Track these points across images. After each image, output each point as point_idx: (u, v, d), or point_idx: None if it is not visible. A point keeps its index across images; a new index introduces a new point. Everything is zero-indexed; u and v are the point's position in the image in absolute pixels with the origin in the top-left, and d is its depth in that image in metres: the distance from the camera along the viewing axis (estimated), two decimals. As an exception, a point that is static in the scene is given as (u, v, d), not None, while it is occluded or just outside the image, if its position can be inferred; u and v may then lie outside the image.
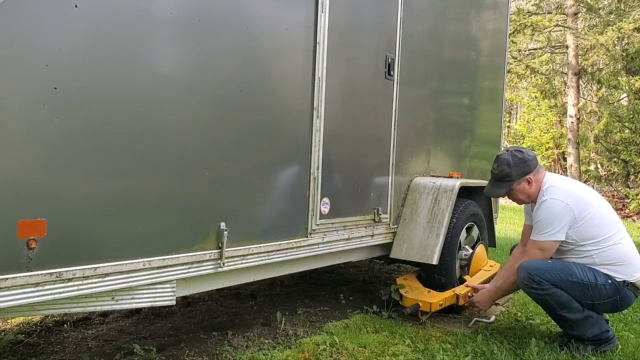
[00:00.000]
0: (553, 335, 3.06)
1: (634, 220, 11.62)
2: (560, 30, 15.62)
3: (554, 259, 2.84)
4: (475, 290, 3.20)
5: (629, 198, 12.48)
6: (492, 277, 3.68)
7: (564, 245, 2.76)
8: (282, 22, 2.50)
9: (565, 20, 14.97)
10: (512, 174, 2.80)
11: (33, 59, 1.64)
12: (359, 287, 4.15)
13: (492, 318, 3.19)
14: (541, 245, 2.75)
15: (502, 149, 3.02)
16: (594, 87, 16.42)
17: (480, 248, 3.73)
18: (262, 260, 2.46)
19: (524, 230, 3.10)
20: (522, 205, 3.10)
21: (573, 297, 2.68)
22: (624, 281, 2.69)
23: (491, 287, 3.04)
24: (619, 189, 13.40)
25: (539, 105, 16.62)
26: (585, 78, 15.14)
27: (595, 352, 2.71)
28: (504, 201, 14.01)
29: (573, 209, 2.69)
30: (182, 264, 2.10)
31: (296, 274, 3.23)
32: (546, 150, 16.73)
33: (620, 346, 2.82)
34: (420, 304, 3.13)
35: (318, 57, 2.67)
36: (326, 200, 2.80)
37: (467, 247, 3.65)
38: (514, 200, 2.95)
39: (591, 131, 14.61)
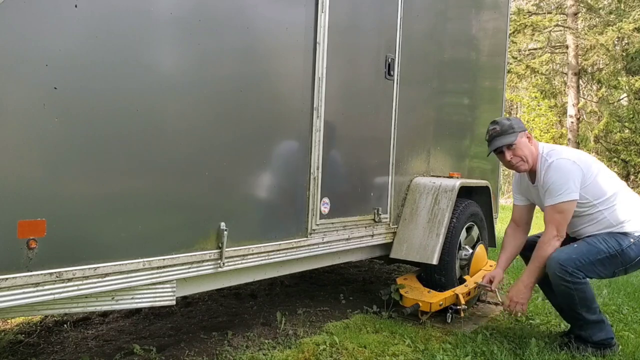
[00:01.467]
0: (553, 335, 3.06)
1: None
2: (560, 30, 15.63)
3: (572, 235, 2.83)
4: (490, 281, 3.05)
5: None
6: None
7: (577, 210, 2.71)
8: (282, 22, 2.49)
9: (565, 20, 14.98)
10: (514, 125, 2.79)
11: (33, 59, 1.64)
12: (359, 287, 4.15)
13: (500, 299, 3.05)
14: (560, 207, 2.67)
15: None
16: (594, 87, 16.43)
17: (480, 248, 3.73)
18: (262, 260, 2.46)
19: (514, 210, 3.09)
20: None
21: (607, 273, 2.70)
22: None
23: (522, 276, 2.83)
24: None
25: (539, 105, 16.65)
26: (585, 78, 15.16)
27: (595, 352, 2.71)
28: (504, 201, 14.03)
29: (581, 167, 2.69)
30: (182, 264, 2.10)
31: (296, 274, 3.23)
32: (546, 150, 16.70)
33: (620, 346, 2.82)
34: (420, 304, 3.13)
35: (318, 57, 2.67)
36: (326, 200, 2.80)
37: (467, 247, 3.65)
38: (514, 164, 2.81)
39: (591, 131, 14.63)
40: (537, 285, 2.94)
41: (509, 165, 2.84)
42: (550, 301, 3.18)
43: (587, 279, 2.67)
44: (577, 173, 2.67)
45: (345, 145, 2.98)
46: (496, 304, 3.74)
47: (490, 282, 3.05)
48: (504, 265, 3.05)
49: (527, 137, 2.82)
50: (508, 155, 2.80)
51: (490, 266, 3.79)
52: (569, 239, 2.90)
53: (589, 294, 2.68)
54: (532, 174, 2.87)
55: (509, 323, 3.30)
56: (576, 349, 2.72)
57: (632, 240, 2.68)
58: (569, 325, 3.11)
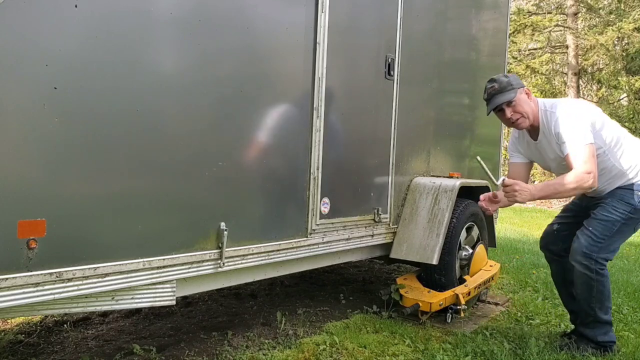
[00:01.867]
0: (553, 335, 3.06)
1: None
2: (560, 30, 15.63)
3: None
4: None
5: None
6: (492, 277, 3.69)
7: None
8: (282, 22, 2.50)
9: (565, 20, 14.98)
10: (512, 82, 2.70)
11: (33, 59, 1.64)
12: (359, 287, 4.15)
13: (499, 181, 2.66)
14: (589, 149, 2.52)
15: (502, 149, 2.87)
16: (594, 87, 16.43)
17: (480, 248, 3.73)
18: (262, 260, 2.46)
19: (510, 169, 2.95)
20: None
21: (629, 234, 2.71)
22: None
23: (537, 188, 2.63)
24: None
25: (539, 105, 16.59)
26: (585, 78, 15.16)
27: (595, 353, 2.71)
28: (504, 201, 14.00)
29: (590, 113, 2.64)
30: (182, 264, 2.10)
31: (296, 274, 3.23)
32: (546, 150, 16.70)
33: (620, 349, 2.83)
34: (420, 304, 3.13)
35: (318, 57, 2.67)
36: (326, 200, 2.80)
37: (467, 247, 3.65)
38: (515, 120, 2.70)
39: (591, 131, 14.62)
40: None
41: (509, 122, 2.76)
42: (560, 296, 3.13)
43: (607, 273, 2.68)
44: (588, 119, 2.61)
45: (345, 145, 2.98)
46: (496, 304, 3.74)
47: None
48: (540, 185, 2.89)
49: (526, 94, 2.73)
50: (508, 112, 2.70)
51: (491, 266, 3.80)
52: (568, 228, 2.91)
53: (606, 290, 2.69)
54: (534, 130, 2.77)
55: (509, 323, 3.30)
56: (576, 348, 2.72)
57: (639, 193, 2.66)
58: (569, 326, 3.12)
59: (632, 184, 2.68)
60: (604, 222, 2.67)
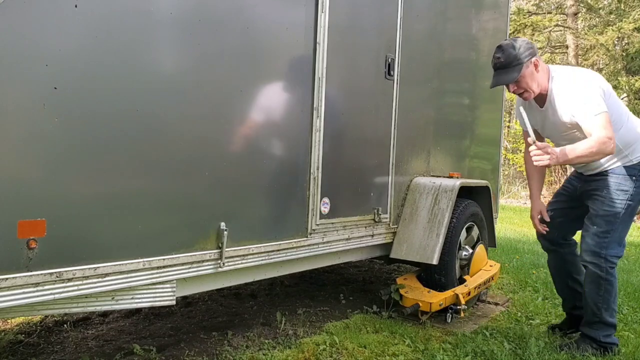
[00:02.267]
0: (553, 335, 3.06)
1: (634, 220, 11.61)
2: (560, 30, 15.64)
3: (580, 170, 2.79)
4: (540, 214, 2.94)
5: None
6: (492, 277, 3.69)
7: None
8: (282, 22, 2.49)
9: (565, 20, 14.98)
10: (520, 56, 2.58)
11: (33, 59, 1.64)
12: (359, 287, 4.15)
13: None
14: (605, 117, 2.47)
15: (502, 148, 2.79)
16: (594, 87, 16.40)
17: (480, 248, 3.73)
18: (262, 260, 2.46)
19: (526, 137, 2.73)
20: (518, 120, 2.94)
21: (633, 216, 2.72)
22: None
23: (567, 150, 2.51)
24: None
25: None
26: (585, 78, 15.14)
27: (596, 353, 2.71)
28: (504, 201, 14.01)
29: (600, 85, 2.60)
30: (182, 264, 2.10)
31: (296, 274, 3.23)
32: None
33: (620, 346, 2.83)
34: (420, 304, 3.13)
35: (318, 57, 2.67)
36: (326, 200, 2.80)
37: (467, 247, 3.65)
38: (522, 93, 2.68)
39: (591, 131, 14.61)
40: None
41: (514, 93, 2.74)
42: (555, 284, 3.15)
43: (616, 274, 2.70)
44: (599, 90, 2.56)
45: (345, 145, 2.98)
46: (496, 304, 3.74)
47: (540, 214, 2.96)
48: (539, 194, 2.99)
49: (535, 65, 2.61)
50: (511, 87, 2.67)
51: (491, 266, 3.80)
52: (563, 225, 2.91)
53: (614, 291, 2.71)
54: (540, 98, 2.71)
55: (509, 323, 3.30)
56: (577, 347, 2.72)
57: (634, 177, 2.66)
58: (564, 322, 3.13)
59: (627, 167, 2.67)
60: (607, 217, 2.68)
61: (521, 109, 2.64)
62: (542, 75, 2.65)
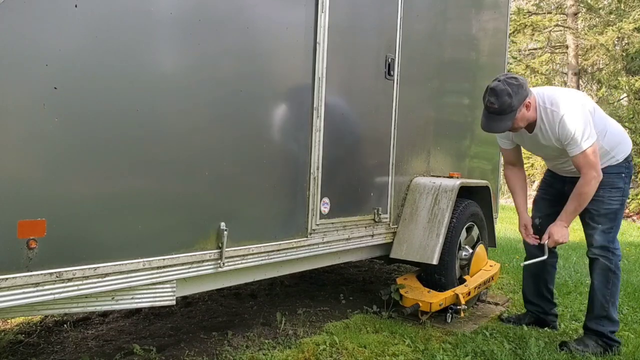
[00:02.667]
0: (553, 335, 3.07)
1: (634, 220, 11.62)
2: (560, 30, 15.63)
3: (572, 176, 2.88)
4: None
5: (628, 198, 12.49)
6: (492, 277, 3.69)
7: None
8: (282, 22, 2.49)
9: (565, 20, 14.98)
10: (514, 104, 2.59)
11: (33, 59, 1.64)
12: (359, 287, 4.15)
13: (545, 256, 2.94)
14: (590, 150, 2.60)
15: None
16: (594, 87, 16.42)
17: (480, 248, 3.73)
18: (262, 260, 2.46)
19: (506, 155, 3.11)
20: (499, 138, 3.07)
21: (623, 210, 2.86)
22: (627, 156, 2.85)
23: (561, 216, 2.81)
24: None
25: (539, 105, 16.59)
26: (585, 78, 15.15)
27: (595, 351, 2.72)
28: (504, 201, 14.01)
29: (587, 108, 2.67)
30: (182, 264, 2.10)
31: (296, 274, 3.23)
32: (546, 149, 16.69)
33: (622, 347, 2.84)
34: (420, 304, 3.13)
35: (318, 57, 2.67)
36: (326, 200, 2.80)
37: (467, 247, 3.65)
38: (511, 130, 2.79)
39: (591, 131, 14.61)
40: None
41: None
42: (526, 287, 3.26)
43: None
44: (588, 116, 2.64)
45: (345, 145, 2.98)
46: (496, 304, 3.74)
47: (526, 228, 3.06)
48: (525, 208, 3.09)
49: (527, 106, 2.65)
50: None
51: (491, 266, 3.79)
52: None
53: (619, 286, 2.83)
54: (529, 125, 2.77)
55: (509, 323, 3.29)
56: (582, 344, 2.76)
57: (623, 175, 2.81)
58: (569, 325, 3.14)
59: (615, 166, 2.80)
60: (609, 215, 2.79)
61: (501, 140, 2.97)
62: (532, 109, 2.71)
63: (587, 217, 2.83)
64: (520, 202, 3.09)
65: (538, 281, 3.19)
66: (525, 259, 3.22)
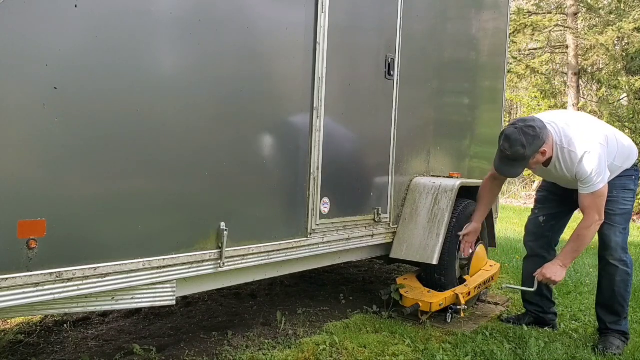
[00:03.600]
0: (553, 335, 3.07)
1: (634, 221, 11.62)
2: (560, 30, 15.63)
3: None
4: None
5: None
6: (492, 277, 3.69)
7: None
8: (282, 22, 2.49)
9: (565, 20, 14.97)
10: (527, 154, 2.60)
11: (33, 59, 1.64)
12: (359, 287, 4.15)
13: (535, 287, 2.98)
14: (599, 192, 2.65)
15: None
16: (594, 87, 16.43)
17: (480, 248, 3.73)
18: (262, 260, 2.46)
19: (489, 180, 3.16)
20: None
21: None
22: (635, 162, 2.92)
23: (560, 256, 2.84)
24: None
25: (539, 105, 16.64)
26: (585, 78, 15.15)
27: (622, 349, 2.81)
28: (504, 201, 14.01)
29: (604, 144, 2.69)
30: (182, 264, 2.10)
31: (296, 274, 3.23)
32: (546, 150, 16.70)
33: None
34: (420, 304, 3.13)
35: (318, 57, 2.67)
36: (326, 200, 2.80)
37: (467, 247, 3.64)
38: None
39: (591, 131, 14.60)
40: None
41: None
42: (527, 291, 3.24)
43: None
44: (604, 156, 2.66)
45: (345, 145, 2.98)
46: (496, 304, 3.74)
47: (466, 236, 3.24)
48: (482, 219, 3.24)
49: (542, 153, 2.66)
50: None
51: (491, 266, 3.79)
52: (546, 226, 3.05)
53: (630, 283, 2.90)
54: (545, 161, 2.78)
55: (509, 323, 3.29)
56: (611, 345, 2.80)
57: (633, 177, 2.88)
58: (569, 325, 3.14)
59: (625, 170, 2.85)
60: (624, 215, 2.85)
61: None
62: (549, 152, 2.70)
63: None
64: (482, 210, 3.24)
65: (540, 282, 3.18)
66: (524, 259, 3.23)
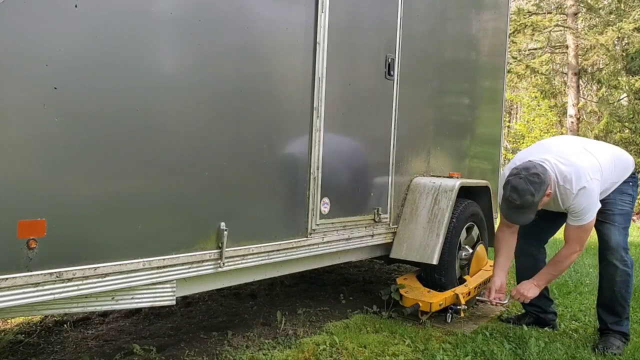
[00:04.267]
0: (553, 335, 3.07)
1: (634, 221, 11.61)
2: (560, 30, 15.63)
3: None
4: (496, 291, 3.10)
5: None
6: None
7: None
8: (282, 22, 2.49)
9: (565, 20, 14.98)
10: (536, 201, 2.65)
11: (33, 59, 1.64)
12: (359, 287, 4.15)
13: (507, 300, 3.12)
14: (587, 226, 2.74)
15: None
16: (594, 87, 16.43)
17: (480, 248, 3.73)
18: (262, 260, 2.46)
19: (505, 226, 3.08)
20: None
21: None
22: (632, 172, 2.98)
23: (535, 277, 2.94)
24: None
25: (539, 105, 16.66)
26: (585, 78, 15.15)
27: (622, 349, 2.80)
28: (504, 201, 13.99)
29: (599, 178, 2.73)
30: (182, 264, 2.10)
31: (296, 274, 3.23)
32: (546, 150, 16.70)
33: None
34: (420, 304, 3.13)
35: (318, 57, 2.67)
36: (326, 200, 2.80)
37: (467, 247, 3.65)
38: None
39: (591, 131, 14.64)
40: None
41: None
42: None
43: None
44: (597, 193, 2.73)
45: (345, 145, 2.98)
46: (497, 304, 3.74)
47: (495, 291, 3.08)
48: (504, 270, 3.10)
49: (547, 194, 2.69)
50: None
51: (491, 266, 3.79)
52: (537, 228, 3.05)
53: (632, 283, 2.91)
54: None
55: (509, 323, 3.29)
56: (612, 345, 2.79)
57: (631, 183, 2.94)
58: (569, 325, 3.14)
59: (624, 178, 2.92)
60: (625, 215, 2.89)
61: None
62: (552, 191, 2.73)
63: (601, 218, 2.84)
64: (502, 262, 3.08)
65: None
66: (515, 256, 3.19)
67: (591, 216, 2.72)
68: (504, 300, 3.06)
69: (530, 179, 2.63)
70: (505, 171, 2.89)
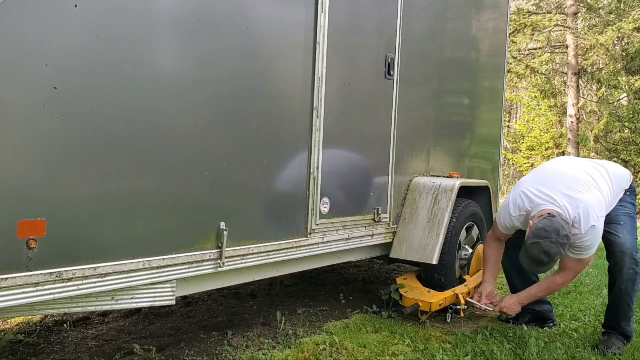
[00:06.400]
0: (553, 335, 3.07)
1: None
2: (560, 30, 15.63)
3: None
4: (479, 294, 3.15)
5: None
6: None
7: None
8: (282, 22, 2.49)
9: (565, 20, 14.98)
10: (562, 252, 2.67)
11: (33, 59, 1.64)
12: (359, 287, 4.15)
13: (494, 308, 3.10)
14: (586, 260, 2.82)
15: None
16: (594, 87, 16.44)
17: (480, 248, 3.73)
18: (262, 260, 2.46)
19: (499, 235, 3.10)
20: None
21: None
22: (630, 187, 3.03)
23: (522, 294, 3.01)
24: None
25: (539, 105, 16.66)
26: (585, 78, 15.15)
27: (622, 350, 2.81)
28: (503, 201, 14.00)
29: (604, 214, 2.79)
30: (182, 264, 2.10)
31: (296, 274, 3.23)
32: (546, 150, 16.75)
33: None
34: (420, 304, 3.13)
35: (318, 57, 2.67)
36: (326, 200, 2.80)
37: (467, 247, 3.65)
38: None
39: (591, 131, 14.63)
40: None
41: None
42: (512, 281, 3.30)
43: None
44: (600, 232, 2.75)
45: (345, 145, 2.98)
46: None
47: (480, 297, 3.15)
48: (493, 280, 3.17)
49: None
50: None
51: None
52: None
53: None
54: None
55: (509, 323, 3.29)
56: (612, 345, 2.80)
57: (628, 193, 3.00)
58: (569, 325, 3.14)
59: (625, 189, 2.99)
60: (631, 218, 2.93)
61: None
62: None
63: (606, 221, 2.83)
64: (491, 269, 3.16)
65: (522, 271, 3.16)
66: (505, 251, 3.21)
67: (593, 252, 2.77)
68: (491, 308, 3.10)
69: (561, 241, 2.59)
70: (515, 210, 2.89)
